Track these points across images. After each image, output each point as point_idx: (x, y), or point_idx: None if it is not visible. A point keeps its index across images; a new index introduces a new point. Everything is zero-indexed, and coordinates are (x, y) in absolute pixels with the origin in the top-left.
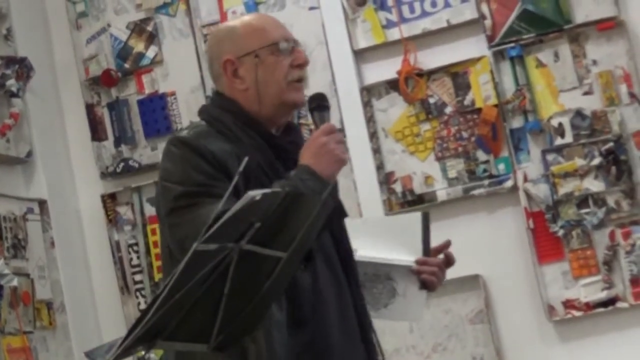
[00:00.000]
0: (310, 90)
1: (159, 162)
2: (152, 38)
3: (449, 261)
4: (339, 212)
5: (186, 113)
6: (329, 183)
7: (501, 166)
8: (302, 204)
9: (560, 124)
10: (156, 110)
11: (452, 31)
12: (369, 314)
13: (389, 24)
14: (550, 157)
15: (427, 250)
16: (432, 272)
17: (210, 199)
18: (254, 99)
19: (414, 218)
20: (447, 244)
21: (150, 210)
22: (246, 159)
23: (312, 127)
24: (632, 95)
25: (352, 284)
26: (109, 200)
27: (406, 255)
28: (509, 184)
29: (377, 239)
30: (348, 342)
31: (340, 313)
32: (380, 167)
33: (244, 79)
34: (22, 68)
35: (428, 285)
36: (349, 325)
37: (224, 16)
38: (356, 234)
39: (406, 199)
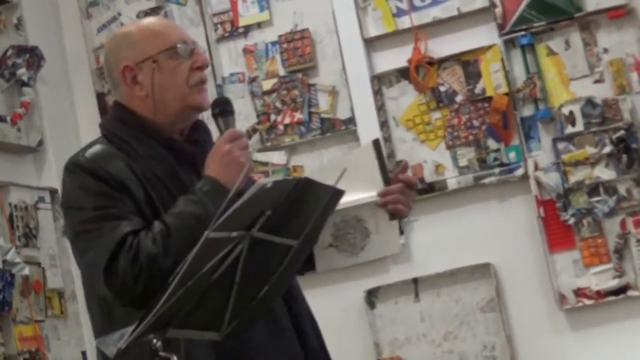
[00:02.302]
0: (321, 79)
1: None
2: None
3: (409, 184)
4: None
5: None
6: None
7: (512, 154)
8: (313, 192)
9: (571, 112)
10: None
11: (462, 19)
12: (306, 318)
13: (400, 12)
14: (561, 145)
15: (386, 179)
16: (396, 200)
17: (112, 222)
18: (153, 106)
19: (366, 149)
20: (404, 168)
21: None
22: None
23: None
24: None
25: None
26: None
27: (368, 191)
28: (519, 172)
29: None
30: (275, 342)
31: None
32: (390, 155)
33: (143, 85)
34: (33, 57)
35: (397, 213)
36: (278, 327)
37: (234, 4)
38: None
39: (417, 188)
